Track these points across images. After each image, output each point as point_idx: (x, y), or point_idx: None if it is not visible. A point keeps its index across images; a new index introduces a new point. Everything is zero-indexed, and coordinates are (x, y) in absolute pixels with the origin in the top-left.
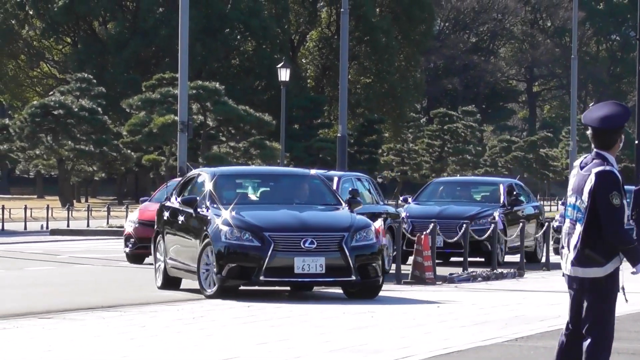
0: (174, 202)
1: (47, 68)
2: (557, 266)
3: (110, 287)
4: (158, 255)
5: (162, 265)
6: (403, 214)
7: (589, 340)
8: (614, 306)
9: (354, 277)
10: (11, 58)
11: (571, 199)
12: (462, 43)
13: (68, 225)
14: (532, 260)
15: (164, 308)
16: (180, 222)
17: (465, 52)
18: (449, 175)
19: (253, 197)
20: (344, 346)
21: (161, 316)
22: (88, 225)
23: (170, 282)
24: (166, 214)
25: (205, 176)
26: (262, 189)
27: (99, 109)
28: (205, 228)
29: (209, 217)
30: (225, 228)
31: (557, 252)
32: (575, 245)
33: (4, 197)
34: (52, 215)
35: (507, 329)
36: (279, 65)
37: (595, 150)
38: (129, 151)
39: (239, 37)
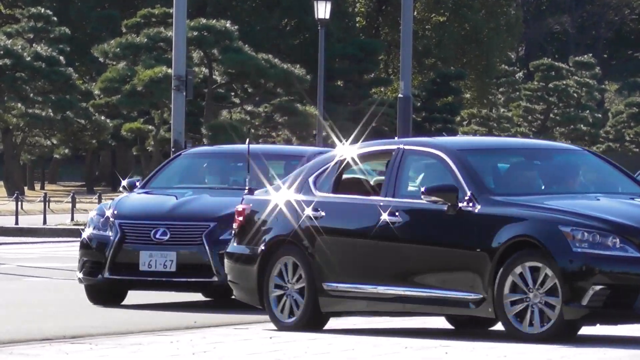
0: None
1: None
2: None
3: (75, 309)
4: None
5: None
6: (108, 212)
7: None
8: None
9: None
10: None
11: None
12: None
13: (17, 223)
14: None
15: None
16: None
17: None
18: None
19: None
20: None
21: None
22: (45, 223)
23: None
24: None
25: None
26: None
27: (61, 57)
28: None
29: None
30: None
31: None
32: None
33: None
34: None
35: None
36: None
37: None
38: (102, 117)
39: None
